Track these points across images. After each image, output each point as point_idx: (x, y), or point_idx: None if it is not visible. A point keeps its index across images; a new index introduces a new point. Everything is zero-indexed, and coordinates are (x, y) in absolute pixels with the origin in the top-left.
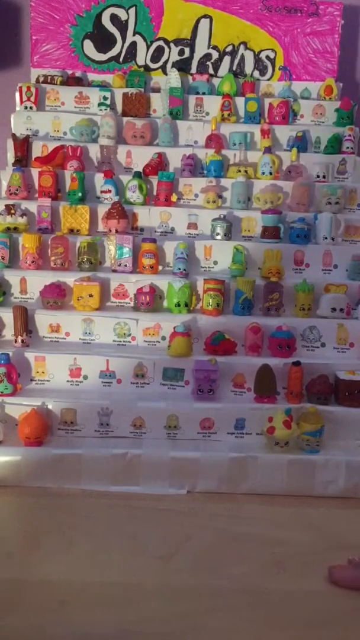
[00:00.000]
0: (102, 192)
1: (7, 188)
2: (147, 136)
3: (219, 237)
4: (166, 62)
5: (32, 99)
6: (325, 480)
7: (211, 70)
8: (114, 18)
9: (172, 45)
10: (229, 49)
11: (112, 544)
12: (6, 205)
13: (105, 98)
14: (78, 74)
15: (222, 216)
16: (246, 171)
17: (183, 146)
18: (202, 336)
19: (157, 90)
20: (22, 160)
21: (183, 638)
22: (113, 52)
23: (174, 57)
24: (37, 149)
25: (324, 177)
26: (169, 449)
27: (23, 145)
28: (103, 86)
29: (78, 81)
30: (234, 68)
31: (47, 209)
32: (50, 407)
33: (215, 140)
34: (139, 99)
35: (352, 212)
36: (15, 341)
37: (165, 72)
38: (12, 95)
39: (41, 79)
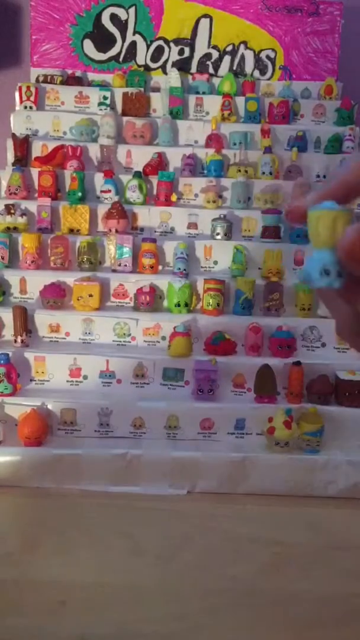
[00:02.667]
0: (102, 192)
1: (7, 188)
2: (147, 136)
3: (219, 237)
4: (166, 61)
5: (32, 98)
6: (326, 481)
7: (211, 70)
8: (113, 18)
9: (172, 44)
10: (229, 48)
11: (112, 544)
12: (6, 205)
13: (105, 98)
14: (78, 73)
15: (222, 216)
16: (246, 171)
17: (183, 146)
18: (202, 336)
19: (157, 89)
20: (22, 159)
21: (183, 638)
22: (113, 51)
23: (174, 56)
24: (37, 149)
25: (324, 176)
26: (169, 449)
27: (23, 144)
28: (103, 86)
29: (78, 81)
30: (234, 68)
31: (47, 209)
32: (50, 407)
33: (215, 140)
34: (139, 99)
35: None
36: (15, 341)
37: (165, 72)
38: (11, 95)
39: (41, 78)
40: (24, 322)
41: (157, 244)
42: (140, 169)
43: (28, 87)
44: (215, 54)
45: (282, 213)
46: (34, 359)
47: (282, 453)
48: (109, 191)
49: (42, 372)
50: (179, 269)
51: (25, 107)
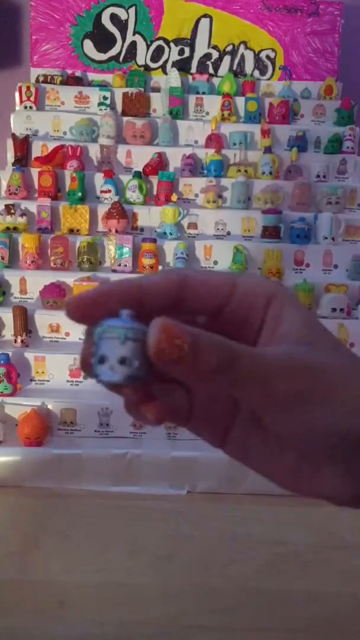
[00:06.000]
0: (102, 192)
1: (7, 188)
2: (147, 136)
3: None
4: (166, 61)
5: (32, 98)
6: None
7: (211, 70)
8: (113, 18)
9: (172, 44)
10: (229, 48)
11: (112, 544)
12: (6, 205)
13: (105, 98)
14: (78, 73)
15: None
16: (246, 171)
17: (183, 146)
18: None
19: (157, 90)
20: (22, 160)
21: (183, 638)
22: (113, 51)
23: (174, 56)
24: (37, 149)
25: (324, 176)
26: (169, 449)
27: (23, 145)
28: (103, 86)
29: (78, 81)
30: (234, 68)
31: (46, 209)
32: (50, 407)
33: (215, 140)
34: (139, 99)
35: (353, 212)
36: (15, 341)
37: (165, 72)
38: (12, 95)
39: (41, 78)
40: (24, 322)
41: (157, 244)
42: (140, 169)
43: (28, 87)
44: (215, 54)
45: (282, 213)
46: (34, 359)
47: None
48: (109, 191)
49: (42, 372)
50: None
51: (25, 107)
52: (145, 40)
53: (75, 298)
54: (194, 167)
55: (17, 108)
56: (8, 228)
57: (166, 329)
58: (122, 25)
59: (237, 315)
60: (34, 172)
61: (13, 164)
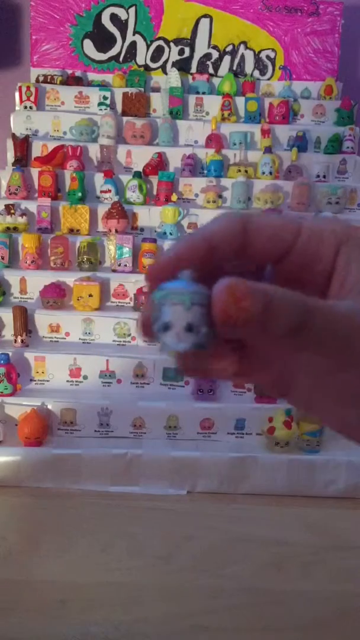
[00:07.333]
0: (102, 191)
1: (7, 188)
2: (147, 136)
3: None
4: (166, 61)
5: (32, 98)
6: (326, 481)
7: (211, 70)
8: (113, 17)
9: (172, 44)
10: (229, 48)
11: (112, 544)
12: (6, 205)
13: (105, 98)
14: (78, 73)
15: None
16: (246, 171)
17: (183, 146)
18: None
19: (157, 90)
20: (22, 160)
21: (183, 638)
22: (113, 51)
23: (174, 56)
24: (37, 149)
25: (324, 176)
26: (169, 449)
27: (23, 145)
28: (103, 86)
29: (78, 81)
30: (234, 68)
31: (46, 209)
32: (50, 407)
33: (215, 140)
34: (138, 99)
35: (353, 212)
36: (15, 341)
37: (165, 72)
38: (12, 95)
39: (41, 78)
40: (24, 322)
41: (157, 244)
42: (140, 169)
43: (28, 87)
44: (215, 54)
45: (282, 213)
46: (34, 359)
47: (282, 453)
48: (109, 191)
49: (42, 372)
50: None
51: (25, 107)
52: (145, 40)
53: (156, 265)
54: (194, 167)
55: (17, 108)
56: (8, 228)
57: (232, 291)
58: (122, 25)
59: (302, 263)
60: (34, 172)
61: (13, 164)
